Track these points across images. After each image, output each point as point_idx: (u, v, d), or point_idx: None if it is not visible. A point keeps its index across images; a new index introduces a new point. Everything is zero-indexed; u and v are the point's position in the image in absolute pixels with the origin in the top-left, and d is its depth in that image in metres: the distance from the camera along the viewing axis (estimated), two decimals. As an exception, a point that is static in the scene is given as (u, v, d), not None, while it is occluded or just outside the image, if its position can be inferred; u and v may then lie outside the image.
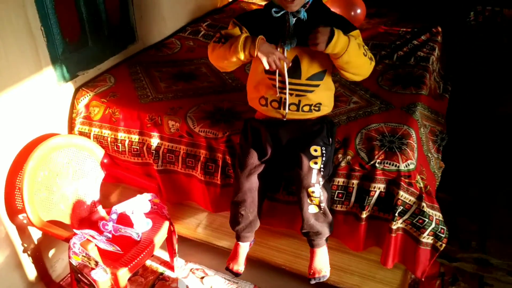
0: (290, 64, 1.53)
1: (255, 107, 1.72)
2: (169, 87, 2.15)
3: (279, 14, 1.52)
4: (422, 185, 1.62)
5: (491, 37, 2.78)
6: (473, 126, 2.96)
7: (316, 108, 1.64)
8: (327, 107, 1.68)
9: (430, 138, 1.95)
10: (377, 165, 1.62)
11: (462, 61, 2.89)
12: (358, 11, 2.75)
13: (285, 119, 1.65)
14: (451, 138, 2.10)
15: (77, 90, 2.13)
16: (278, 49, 1.53)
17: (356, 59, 1.49)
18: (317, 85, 1.59)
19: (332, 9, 2.52)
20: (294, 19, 1.52)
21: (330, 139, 1.65)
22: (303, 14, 1.51)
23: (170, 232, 1.94)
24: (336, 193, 1.69)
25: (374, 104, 1.97)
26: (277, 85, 1.58)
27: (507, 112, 3.06)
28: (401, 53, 2.45)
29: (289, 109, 1.62)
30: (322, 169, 1.56)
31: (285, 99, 1.60)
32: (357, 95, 2.05)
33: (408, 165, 1.62)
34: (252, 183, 1.64)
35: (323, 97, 1.64)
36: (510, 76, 2.94)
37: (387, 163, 1.62)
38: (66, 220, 1.89)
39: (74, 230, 1.69)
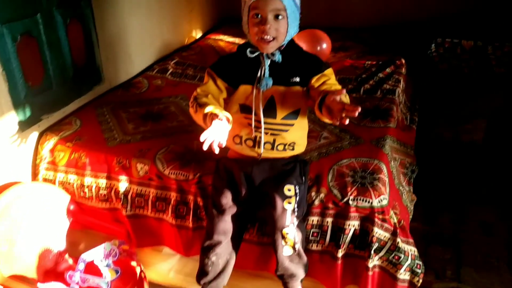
0: (262, 107, 1.54)
1: (228, 146, 1.69)
2: (137, 128, 2.11)
3: (253, 55, 1.52)
4: (396, 220, 1.62)
5: (452, 67, 2.88)
6: (440, 154, 3.01)
7: (290, 147, 1.63)
8: (300, 146, 1.67)
9: (400, 171, 1.97)
10: (350, 202, 1.62)
11: (426, 92, 2.96)
12: (324, 45, 2.80)
13: (259, 158, 1.63)
14: (420, 167, 2.12)
15: (41, 135, 2.06)
16: (254, 90, 1.53)
17: None
18: (292, 125, 1.59)
19: (299, 44, 2.57)
20: (269, 60, 1.52)
21: (303, 178, 1.64)
22: (278, 57, 1.51)
23: (141, 279, 1.87)
24: (311, 232, 1.66)
25: (344, 139, 1.98)
26: (253, 124, 1.57)
27: (472, 139, 3.13)
28: (368, 87, 2.49)
29: (263, 148, 1.61)
30: (296, 209, 1.54)
31: (260, 137, 1.59)
32: (327, 130, 2.06)
33: (381, 200, 1.61)
34: (227, 224, 1.61)
35: (297, 136, 1.64)
36: (471, 104, 3.03)
37: (360, 200, 1.61)
38: (31, 274, 1.79)
39: (38, 285, 1.60)
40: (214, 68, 1.60)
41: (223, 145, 1.34)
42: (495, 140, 3.00)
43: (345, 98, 1.38)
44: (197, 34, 3.55)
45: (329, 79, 1.53)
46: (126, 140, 2.01)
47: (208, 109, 1.41)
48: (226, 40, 3.40)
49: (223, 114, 1.38)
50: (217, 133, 1.31)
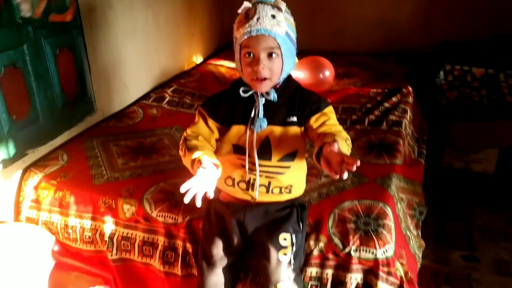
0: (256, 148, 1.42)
1: (220, 187, 1.57)
2: (127, 164, 2.00)
3: (247, 95, 1.40)
4: (402, 273, 1.47)
5: (461, 96, 2.74)
6: (449, 185, 2.87)
7: (287, 191, 1.50)
8: (298, 189, 1.54)
9: (408, 213, 1.82)
10: (352, 252, 1.47)
11: (434, 121, 2.83)
12: (327, 73, 2.69)
13: (254, 203, 1.50)
14: (429, 199, 1.97)
15: (25, 171, 1.95)
16: (248, 131, 1.41)
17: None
18: (288, 167, 1.46)
19: (301, 71, 2.45)
20: (264, 99, 1.40)
21: (301, 225, 1.50)
22: (273, 96, 1.39)
23: (127, 329, 1.73)
24: (309, 284, 1.51)
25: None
26: (246, 167, 1.45)
27: (483, 169, 2.98)
28: (373, 117, 2.36)
29: (258, 191, 1.48)
30: (292, 261, 1.40)
31: (255, 180, 1.46)
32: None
33: (386, 251, 1.47)
34: (218, 278, 1.47)
35: (294, 179, 1.50)
36: (482, 133, 2.88)
37: (363, 250, 1.47)
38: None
39: None
40: (205, 107, 1.49)
41: (211, 197, 1.22)
42: (508, 171, 2.86)
43: (344, 146, 1.26)
44: (198, 59, 3.46)
45: (329, 119, 1.41)
46: (114, 177, 1.89)
47: (196, 154, 1.31)
48: (227, 66, 3.30)
49: (210, 162, 1.26)
50: (201, 184, 1.20)
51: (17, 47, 1.84)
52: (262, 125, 1.40)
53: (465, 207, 2.77)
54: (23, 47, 1.87)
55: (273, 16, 1.30)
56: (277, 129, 1.42)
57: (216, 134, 1.48)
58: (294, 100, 1.43)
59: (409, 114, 2.42)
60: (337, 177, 1.12)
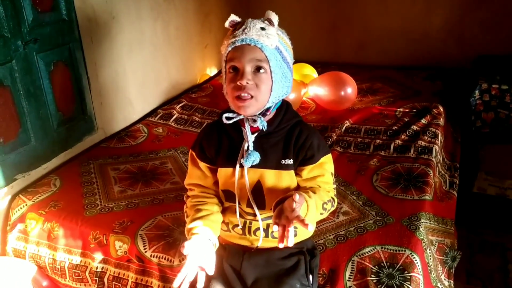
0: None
1: (216, 231, 1.37)
2: (124, 192, 1.81)
3: (231, 121, 1.19)
4: None
5: (498, 117, 2.47)
6: (483, 212, 2.60)
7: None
8: (305, 231, 1.31)
9: (438, 259, 1.58)
10: (372, 314, 1.25)
11: (467, 144, 2.56)
12: (349, 90, 2.46)
13: (254, 248, 1.29)
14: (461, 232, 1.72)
15: (13, 198, 1.79)
16: (238, 168, 1.20)
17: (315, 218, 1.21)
18: None
19: (321, 88, 2.20)
20: (253, 136, 1.19)
21: (311, 277, 1.27)
22: (261, 123, 1.17)
23: None
24: None
25: (368, 215, 1.61)
26: (237, 214, 1.24)
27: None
28: (399, 142, 2.12)
29: (255, 235, 1.26)
30: (299, 325, 1.18)
31: (251, 223, 1.26)
32: (348, 201, 1.70)
33: (413, 313, 1.24)
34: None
35: None
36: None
37: (385, 312, 1.24)
38: None
39: None
40: (195, 148, 1.30)
41: (210, 273, 1.15)
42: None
43: (313, 208, 1.14)
44: (212, 71, 3.27)
45: (322, 175, 1.23)
46: (108, 208, 1.71)
47: (190, 225, 1.22)
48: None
49: (198, 244, 1.15)
50: (193, 269, 1.12)
51: (5, 64, 1.68)
52: (254, 159, 1.18)
53: (500, 238, 2.49)
54: (12, 63, 1.71)
55: (262, 28, 1.11)
56: (270, 173, 1.21)
57: (212, 177, 1.29)
58: (292, 138, 1.21)
59: (440, 139, 2.17)
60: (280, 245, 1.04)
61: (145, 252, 1.51)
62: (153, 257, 1.49)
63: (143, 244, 1.53)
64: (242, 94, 1.11)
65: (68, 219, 1.67)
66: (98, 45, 2.14)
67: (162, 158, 2.08)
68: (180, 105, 2.60)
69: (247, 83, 1.11)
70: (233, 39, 1.11)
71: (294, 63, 1.24)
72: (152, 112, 2.53)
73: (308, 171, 1.21)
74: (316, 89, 2.52)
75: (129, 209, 1.70)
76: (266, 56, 1.11)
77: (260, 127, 1.18)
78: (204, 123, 2.41)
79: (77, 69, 2.02)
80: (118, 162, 2.03)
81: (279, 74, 1.14)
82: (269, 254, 1.27)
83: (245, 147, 1.19)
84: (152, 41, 2.53)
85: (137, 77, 2.43)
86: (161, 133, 2.33)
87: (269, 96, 1.14)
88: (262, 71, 1.12)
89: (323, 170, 1.22)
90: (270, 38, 1.11)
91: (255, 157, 1.18)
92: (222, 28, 3.23)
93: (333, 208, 1.26)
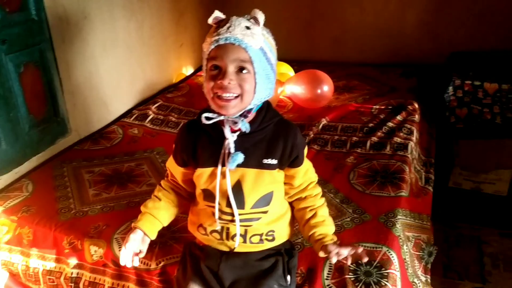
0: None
1: (194, 234, 1.35)
2: (99, 195, 1.78)
3: (210, 122, 1.16)
4: (409, 336, 1.25)
5: (472, 113, 2.51)
6: (459, 207, 2.65)
7: (269, 237, 1.27)
8: (282, 235, 1.31)
9: (415, 255, 1.60)
10: (350, 312, 1.25)
11: (442, 140, 2.60)
12: (325, 88, 2.47)
13: (232, 251, 1.28)
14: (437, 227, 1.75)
15: (-17, 204, 1.74)
16: (220, 168, 1.18)
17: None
18: (265, 212, 1.24)
19: (297, 86, 2.21)
20: (234, 135, 1.17)
21: (289, 278, 1.27)
22: (243, 125, 1.16)
23: None
24: None
25: (345, 213, 1.62)
26: (216, 215, 1.22)
27: (495, 191, 2.75)
28: (376, 139, 2.14)
29: (233, 240, 1.25)
30: (276, 326, 1.18)
31: (228, 228, 1.24)
32: (325, 200, 1.70)
33: (390, 309, 1.25)
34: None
35: (275, 224, 1.27)
36: (494, 153, 2.66)
37: (363, 309, 1.25)
38: None
39: None
40: (176, 157, 1.31)
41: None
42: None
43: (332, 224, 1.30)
44: (188, 70, 3.24)
45: (310, 182, 1.31)
46: (83, 212, 1.68)
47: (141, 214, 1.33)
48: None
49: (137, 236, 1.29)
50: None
51: (-29, 66, 1.63)
52: (237, 159, 1.16)
53: (475, 231, 2.55)
54: (-21, 65, 1.66)
55: (247, 28, 1.09)
56: (251, 172, 1.20)
57: (184, 177, 1.33)
58: (277, 138, 1.20)
59: (415, 135, 2.19)
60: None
61: (121, 256, 1.49)
62: (130, 261, 1.47)
63: (119, 248, 1.50)
64: (225, 95, 1.10)
65: (41, 224, 1.63)
66: (70, 45, 2.09)
67: (138, 159, 2.05)
68: (155, 105, 2.57)
69: (229, 83, 1.09)
70: (216, 37, 1.09)
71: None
72: (127, 113, 2.49)
73: (298, 180, 1.27)
74: (292, 87, 2.52)
75: (105, 213, 1.67)
76: (250, 57, 1.09)
77: (243, 129, 1.15)
78: (181, 123, 2.39)
79: (49, 70, 1.97)
80: (93, 164, 2.00)
81: (263, 75, 1.12)
82: (246, 255, 1.27)
83: (227, 149, 1.17)
84: (126, 41, 2.49)
85: (112, 77, 2.39)
86: (136, 134, 2.30)
87: (252, 97, 1.13)
88: (245, 71, 1.10)
89: (306, 168, 1.27)
90: (255, 38, 1.09)
91: (240, 159, 1.16)
92: (198, 26, 3.22)
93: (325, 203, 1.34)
